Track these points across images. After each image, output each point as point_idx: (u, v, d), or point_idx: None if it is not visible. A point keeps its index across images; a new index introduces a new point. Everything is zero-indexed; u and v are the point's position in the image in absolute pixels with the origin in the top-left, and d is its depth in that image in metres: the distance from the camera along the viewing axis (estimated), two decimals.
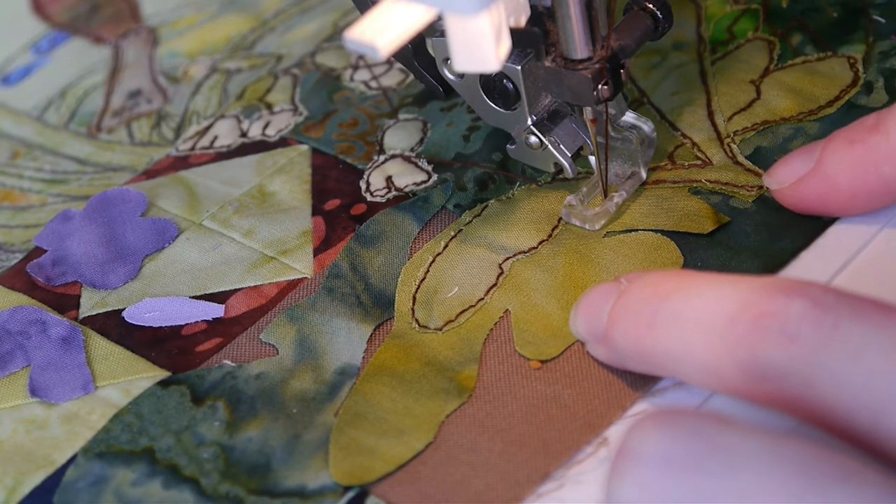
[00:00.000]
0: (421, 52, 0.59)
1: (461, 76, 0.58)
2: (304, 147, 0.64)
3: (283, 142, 0.65)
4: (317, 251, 0.59)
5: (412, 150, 0.62)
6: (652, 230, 0.56)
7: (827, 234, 0.54)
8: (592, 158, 0.57)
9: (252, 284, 0.58)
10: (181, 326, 0.57)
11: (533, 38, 0.53)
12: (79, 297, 0.59)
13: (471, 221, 0.58)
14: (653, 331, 0.47)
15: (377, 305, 0.56)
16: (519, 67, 0.55)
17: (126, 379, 0.55)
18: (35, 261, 0.61)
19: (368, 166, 0.62)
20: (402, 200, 0.60)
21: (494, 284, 0.55)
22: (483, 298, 0.55)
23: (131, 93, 0.71)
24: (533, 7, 0.54)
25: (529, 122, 0.57)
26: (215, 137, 0.66)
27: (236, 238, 0.60)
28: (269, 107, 0.67)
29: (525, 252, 0.56)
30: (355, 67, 0.68)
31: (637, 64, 0.63)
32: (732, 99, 0.60)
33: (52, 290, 0.60)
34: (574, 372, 0.51)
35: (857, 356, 0.42)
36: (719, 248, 0.54)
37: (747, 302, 0.44)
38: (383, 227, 0.59)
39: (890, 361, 0.42)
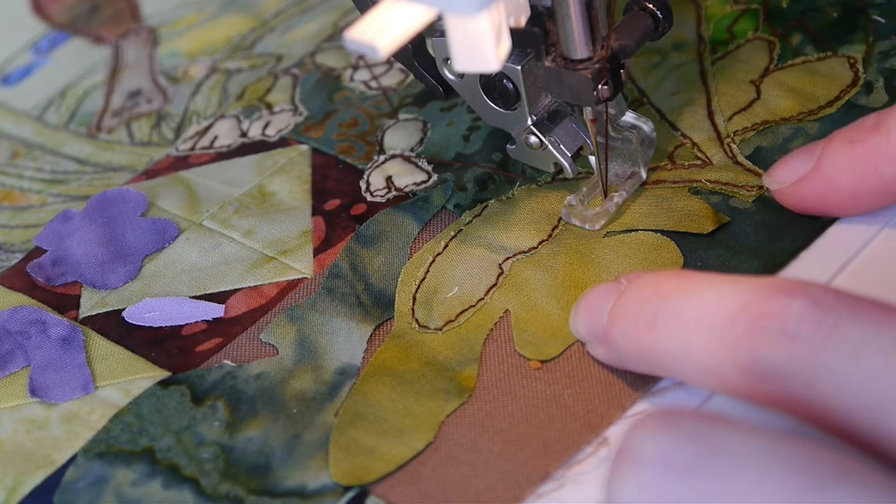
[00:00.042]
0: (421, 52, 0.59)
1: (461, 76, 0.58)
2: (304, 147, 0.64)
3: (283, 142, 0.65)
4: (317, 251, 0.59)
5: (412, 150, 0.62)
6: (652, 230, 0.56)
7: (827, 234, 0.54)
8: (592, 158, 0.57)
9: (252, 284, 0.58)
10: (181, 326, 0.57)
11: (533, 38, 0.53)
12: (79, 297, 0.59)
13: (471, 221, 0.58)
14: (653, 331, 0.47)
15: (377, 305, 0.56)
16: (519, 67, 0.55)
17: (126, 379, 0.55)
18: (35, 261, 0.61)
19: (368, 166, 0.62)
20: (402, 200, 0.60)
21: (494, 284, 0.55)
22: (483, 298, 0.55)
23: (131, 93, 0.71)
24: (533, 7, 0.54)
25: (529, 122, 0.57)
26: (215, 137, 0.66)
27: (236, 238, 0.60)
28: (269, 107, 0.67)
29: (525, 252, 0.56)
30: (355, 67, 0.68)
31: (637, 64, 0.63)
32: (732, 99, 0.60)
33: (52, 290, 0.60)
34: (574, 372, 0.51)
35: (856, 356, 0.42)
36: (719, 248, 0.54)
37: (747, 302, 0.44)
38: (383, 227, 0.59)
39: (890, 361, 0.42)
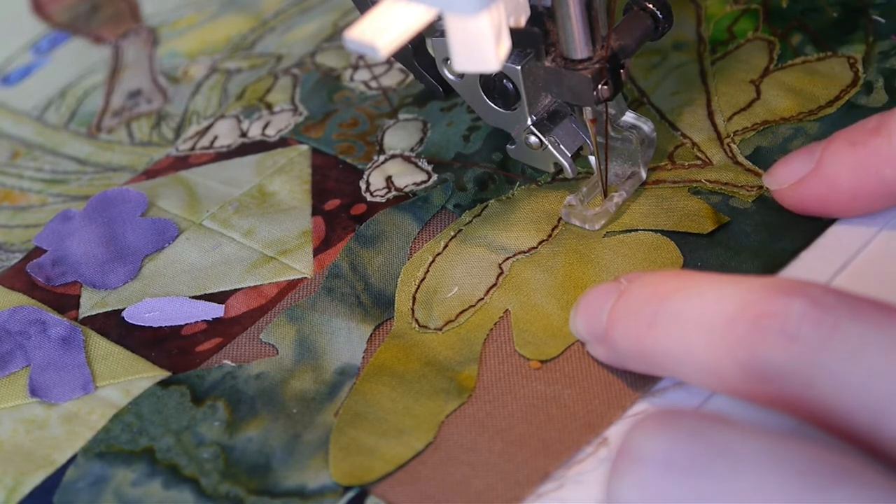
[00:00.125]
0: (421, 52, 0.59)
1: (461, 76, 0.58)
2: (304, 147, 0.64)
3: (283, 142, 0.65)
4: (317, 251, 0.59)
5: (412, 150, 0.62)
6: (652, 230, 0.56)
7: (827, 234, 0.54)
8: (592, 158, 0.57)
9: (252, 284, 0.58)
10: (181, 326, 0.57)
11: (533, 38, 0.53)
12: (79, 297, 0.59)
13: (471, 221, 0.58)
14: (653, 331, 0.47)
15: (377, 305, 0.56)
16: (519, 67, 0.55)
17: (126, 379, 0.55)
18: (35, 261, 0.61)
19: (368, 166, 0.62)
20: (402, 200, 0.60)
21: (494, 284, 0.55)
22: (483, 298, 0.55)
23: (131, 93, 0.71)
24: (533, 7, 0.54)
25: (529, 122, 0.57)
26: (215, 137, 0.66)
27: (236, 238, 0.60)
28: (269, 107, 0.67)
29: (525, 252, 0.56)
30: (355, 67, 0.68)
31: (637, 64, 0.63)
32: (732, 99, 0.60)
33: (52, 290, 0.60)
34: (574, 372, 0.51)
35: (856, 356, 0.42)
36: (719, 248, 0.54)
37: (747, 302, 0.44)
38: (383, 227, 0.59)
39: (890, 361, 0.42)
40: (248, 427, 0.52)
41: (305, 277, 0.58)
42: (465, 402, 0.51)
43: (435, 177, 0.61)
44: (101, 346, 0.56)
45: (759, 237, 0.54)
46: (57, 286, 0.60)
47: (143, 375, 0.55)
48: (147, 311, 0.58)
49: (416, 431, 0.51)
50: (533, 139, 0.57)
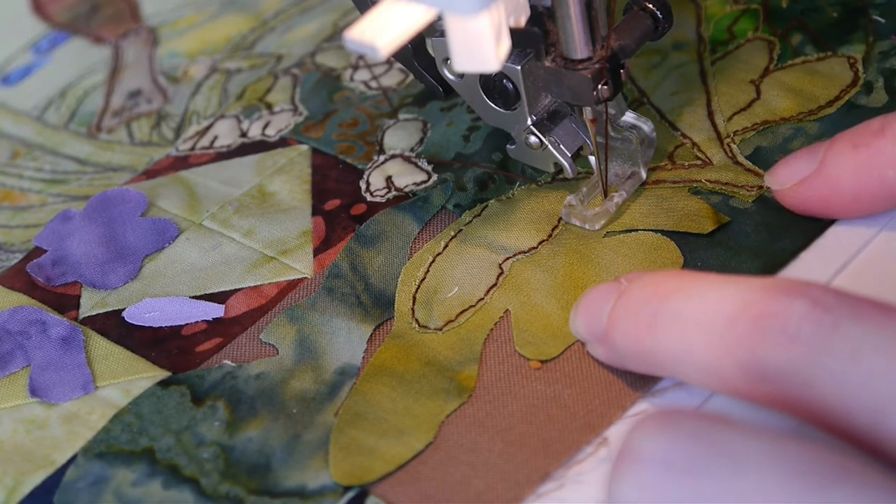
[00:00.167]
0: (421, 52, 0.59)
1: (461, 76, 0.58)
2: (304, 147, 0.64)
3: (283, 142, 0.65)
4: (317, 251, 0.59)
5: (412, 150, 0.62)
6: (652, 230, 0.56)
7: (827, 234, 0.54)
8: (592, 158, 0.57)
9: (252, 284, 0.58)
10: (181, 326, 0.57)
11: (533, 38, 0.53)
12: (79, 297, 0.59)
13: (471, 221, 0.58)
14: (653, 331, 0.47)
15: (377, 305, 0.56)
16: (519, 67, 0.55)
17: (126, 379, 0.55)
18: (35, 261, 0.61)
19: (368, 166, 0.62)
20: (402, 200, 0.60)
21: (494, 284, 0.55)
22: (483, 298, 0.55)
23: (131, 93, 0.71)
24: (533, 7, 0.54)
25: (529, 122, 0.57)
26: (215, 137, 0.66)
27: (236, 238, 0.60)
28: (269, 107, 0.67)
29: (525, 252, 0.56)
30: (355, 67, 0.68)
31: (637, 64, 0.63)
32: (732, 99, 0.60)
33: (52, 290, 0.60)
34: (574, 372, 0.51)
35: (857, 356, 0.42)
36: (719, 248, 0.54)
37: (748, 302, 0.44)
38: (383, 227, 0.59)
39: (890, 361, 0.42)
40: (248, 427, 0.52)
41: (305, 277, 0.58)
42: (465, 402, 0.51)
43: (435, 177, 0.61)
44: (102, 346, 0.56)
45: (759, 237, 0.54)
46: (57, 286, 0.60)
47: (143, 375, 0.55)
48: (147, 311, 0.58)
49: (416, 431, 0.51)
50: (533, 139, 0.57)
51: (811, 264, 0.53)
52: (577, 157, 0.58)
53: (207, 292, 0.58)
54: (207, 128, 0.67)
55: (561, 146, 0.57)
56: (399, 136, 0.63)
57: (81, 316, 0.58)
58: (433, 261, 0.57)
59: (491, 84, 0.57)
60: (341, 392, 0.53)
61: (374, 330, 0.55)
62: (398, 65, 0.67)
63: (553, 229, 0.57)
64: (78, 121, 0.70)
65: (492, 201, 0.59)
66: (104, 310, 0.58)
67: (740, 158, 0.58)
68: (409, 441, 0.50)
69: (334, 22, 0.71)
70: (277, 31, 0.72)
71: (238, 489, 0.50)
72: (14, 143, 0.69)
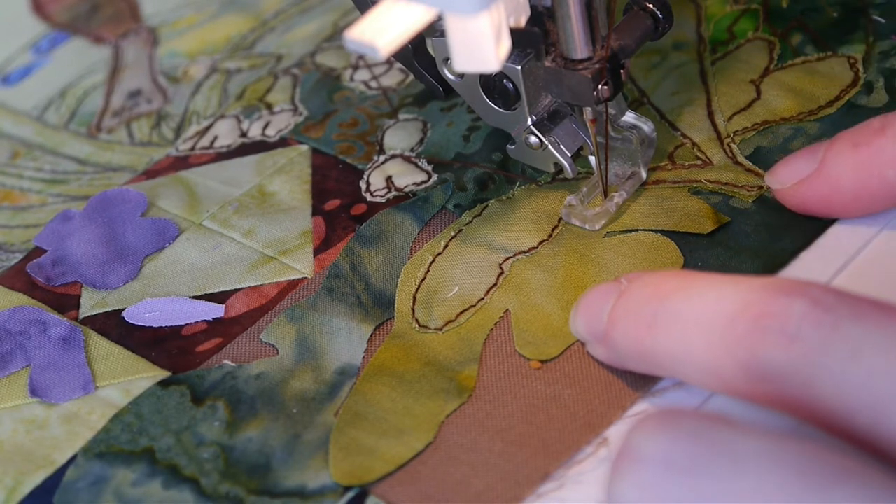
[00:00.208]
0: (421, 52, 0.59)
1: (461, 76, 0.58)
2: (304, 147, 0.64)
3: (283, 142, 0.65)
4: (317, 251, 0.59)
5: (412, 150, 0.62)
6: (652, 230, 0.56)
7: (827, 234, 0.54)
8: (592, 158, 0.57)
9: (252, 284, 0.58)
10: (181, 326, 0.57)
11: (533, 38, 0.53)
12: (79, 297, 0.59)
13: (471, 221, 0.58)
14: (653, 331, 0.47)
15: (377, 305, 0.56)
16: (519, 67, 0.55)
17: (126, 379, 0.55)
18: (35, 261, 0.61)
19: (368, 166, 0.62)
20: (402, 200, 0.60)
21: (494, 284, 0.55)
22: (483, 298, 0.55)
23: (131, 93, 0.71)
24: (533, 7, 0.54)
25: (529, 122, 0.57)
26: (215, 137, 0.66)
27: (236, 238, 0.60)
28: (269, 107, 0.67)
29: (525, 252, 0.56)
30: (355, 67, 0.68)
31: (637, 64, 0.63)
32: (732, 99, 0.60)
33: (52, 290, 0.60)
34: (574, 372, 0.51)
35: (857, 356, 0.42)
36: (719, 248, 0.54)
37: (747, 302, 0.44)
38: (383, 227, 0.59)
39: (890, 361, 0.42)
40: (248, 427, 0.52)
41: (305, 277, 0.58)
42: (465, 402, 0.51)
43: (435, 177, 0.61)
44: (102, 346, 0.56)
45: (759, 237, 0.54)
46: (57, 286, 0.60)
47: (143, 375, 0.55)
48: (147, 311, 0.58)
49: (416, 431, 0.51)
50: (533, 139, 0.57)
51: (811, 264, 0.53)
52: (577, 157, 0.58)
53: (207, 292, 0.58)
54: (207, 128, 0.67)
55: (561, 146, 0.57)
56: (399, 136, 0.63)
57: (81, 316, 0.58)
58: (433, 261, 0.57)
59: (491, 84, 0.57)
60: (341, 392, 0.53)
61: (374, 330, 0.55)
62: (398, 65, 0.67)
63: (553, 229, 0.57)
64: (78, 121, 0.70)
65: (492, 201, 0.59)
66: (104, 310, 0.58)
67: (740, 158, 0.58)
68: (409, 441, 0.50)
69: (334, 22, 0.71)
70: (277, 31, 0.72)
71: (238, 489, 0.50)
72: (14, 143, 0.69)
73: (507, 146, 0.59)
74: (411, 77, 0.66)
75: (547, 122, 0.57)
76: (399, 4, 0.49)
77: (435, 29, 0.57)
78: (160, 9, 0.76)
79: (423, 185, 0.60)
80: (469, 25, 0.49)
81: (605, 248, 0.56)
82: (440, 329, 0.54)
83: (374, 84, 0.66)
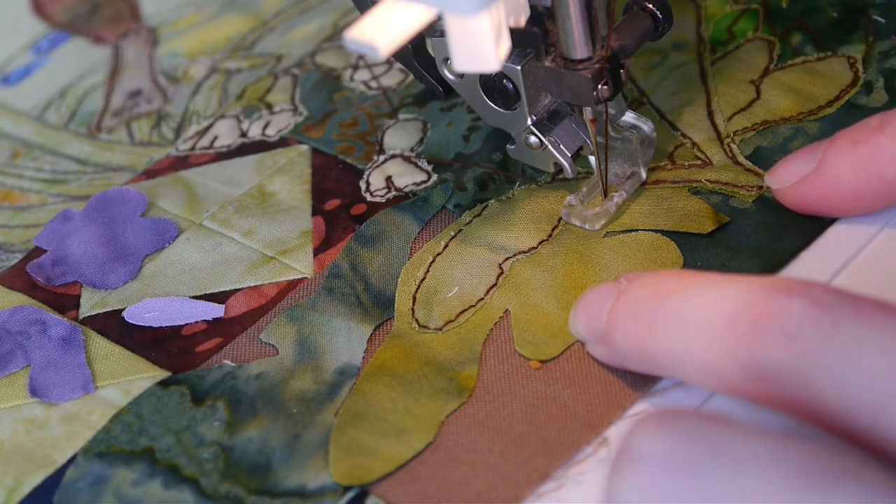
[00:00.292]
0: (421, 52, 0.59)
1: (461, 76, 0.58)
2: (304, 147, 0.64)
3: (283, 142, 0.65)
4: (317, 251, 0.59)
5: (412, 150, 0.62)
6: (652, 230, 0.56)
7: (827, 234, 0.54)
8: (592, 158, 0.57)
9: (252, 284, 0.58)
10: (181, 326, 0.57)
11: (533, 38, 0.53)
12: (79, 297, 0.59)
13: (471, 221, 0.58)
14: (652, 331, 0.47)
15: (377, 305, 0.56)
16: (519, 67, 0.55)
17: (126, 379, 0.55)
18: (35, 261, 0.61)
19: (368, 166, 0.62)
20: (402, 200, 0.60)
21: (494, 284, 0.55)
22: (483, 298, 0.55)
23: (131, 93, 0.71)
24: (533, 7, 0.54)
25: (529, 122, 0.57)
26: (215, 137, 0.66)
27: (236, 238, 0.60)
28: (269, 107, 0.67)
29: (525, 252, 0.56)
30: (355, 67, 0.68)
31: (637, 64, 0.63)
32: (732, 99, 0.60)
33: (52, 290, 0.60)
34: (574, 372, 0.51)
35: (857, 356, 0.42)
36: (719, 248, 0.54)
37: (747, 302, 0.44)
38: (383, 227, 0.59)
39: (890, 361, 0.42)
40: (248, 427, 0.52)
41: (305, 277, 0.58)
42: (465, 402, 0.51)
43: (435, 177, 0.61)
44: (102, 346, 0.56)
45: (759, 237, 0.54)
46: (57, 286, 0.60)
47: (143, 375, 0.55)
48: (147, 311, 0.58)
49: (416, 431, 0.51)
50: (533, 139, 0.57)
51: (811, 264, 0.53)
52: (577, 157, 0.58)
53: (207, 292, 0.58)
54: (207, 128, 0.67)
55: (561, 146, 0.57)
56: (399, 136, 0.63)
57: (81, 316, 0.58)
58: (433, 261, 0.57)
59: (491, 84, 0.57)
60: (341, 392, 0.53)
61: (374, 330, 0.55)
62: (398, 65, 0.67)
63: (553, 229, 0.57)
64: (78, 121, 0.70)
65: (492, 201, 0.59)
66: (104, 310, 0.58)
67: (740, 158, 0.58)
68: (409, 441, 0.50)
69: (334, 22, 0.71)
70: (277, 31, 0.72)
71: (238, 489, 0.50)
72: (14, 143, 0.69)
73: (507, 146, 0.59)
74: (411, 77, 0.66)
75: (547, 122, 0.57)
76: (399, 4, 0.49)
77: (435, 29, 0.57)
78: (160, 9, 0.76)
79: (423, 185, 0.60)
80: (469, 25, 0.49)
81: (604, 248, 0.56)
82: (440, 329, 0.54)
83: (374, 84, 0.66)
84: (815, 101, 0.59)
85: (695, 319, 0.46)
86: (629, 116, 0.57)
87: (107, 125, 0.69)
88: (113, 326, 0.57)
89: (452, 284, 0.56)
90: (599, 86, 0.54)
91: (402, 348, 0.54)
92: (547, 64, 0.55)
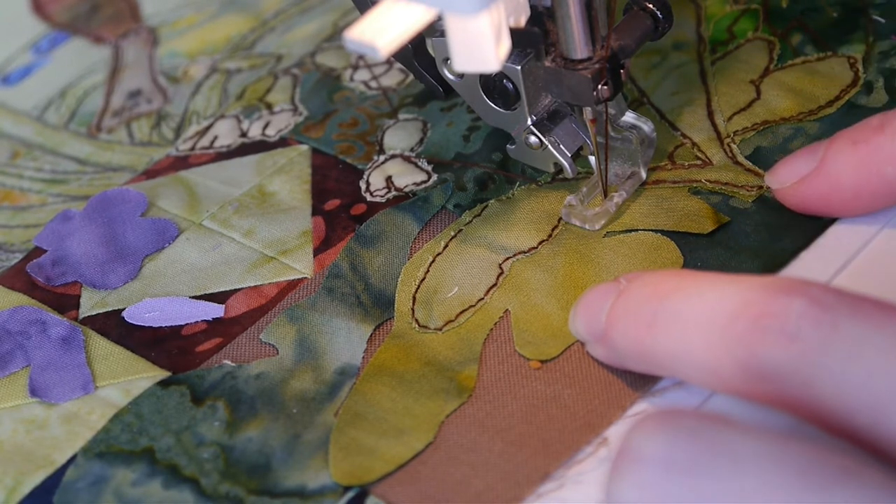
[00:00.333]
0: (421, 52, 0.59)
1: (461, 76, 0.58)
2: (304, 147, 0.64)
3: (283, 142, 0.65)
4: (317, 251, 0.59)
5: (412, 150, 0.62)
6: (652, 230, 0.56)
7: (827, 234, 0.54)
8: (592, 158, 0.57)
9: (252, 284, 0.58)
10: (181, 326, 0.57)
11: (533, 38, 0.53)
12: (79, 297, 0.59)
13: (471, 221, 0.58)
14: (652, 330, 0.47)
15: (377, 305, 0.56)
16: (519, 67, 0.55)
17: (126, 379, 0.55)
18: (35, 261, 0.61)
19: (368, 166, 0.62)
20: (402, 200, 0.60)
21: (494, 284, 0.55)
22: (483, 298, 0.55)
23: (131, 93, 0.71)
24: (533, 7, 0.54)
25: (529, 122, 0.57)
26: (215, 137, 0.66)
27: (236, 238, 0.60)
28: (269, 107, 0.67)
29: (525, 252, 0.56)
30: (355, 67, 0.68)
31: (637, 64, 0.63)
32: (732, 99, 0.60)
33: (52, 290, 0.60)
34: (574, 372, 0.51)
35: (856, 356, 0.42)
36: (719, 248, 0.54)
37: (747, 301, 0.44)
38: (383, 227, 0.59)
39: (890, 361, 0.42)
40: (248, 427, 0.52)
41: (305, 277, 0.58)
42: (465, 402, 0.51)
43: (435, 177, 0.61)
44: (101, 346, 0.56)
45: (759, 237, 0.54)
46: (57, 286, 0.60)
47: (143, 375, 0.55)
48: (147, 311, 0.58)
49: (416, 431, 0.51)
50: (533, 139, 0.57)
51: (811, 264, 0.53)
52: (577, 157, 0.58)
53: (207, 292, 0.58)
54: (207, 128, 0.67)
55: (561, 146, 0.57)
56: (399, 136, 0.63)
57: (81, 316, 0.58)
58: (433, 261, 0.57)
59: (491, 84, 0.57)
60: (341, 392, 0.53)
61: (374, 330, 0.55)
62: (398, 65, 0.67)
63: (553, 229, 0.57)
64: (78, 121, 0.70)
65: (492, 201, 0.59)
66: (104, 310, 0.58)
67: (740, 158, 0.58)
68: (409, 441, 0.50)
69: (334, 22, 0.71)
70: (277, 31, 0.72)
71: (238, 489, 0.50)
72: (14, 143, 0.69)
73: (507, 146, 0.59)
74: (411, 77, 0.66)
75: (547, 122, 0.57)
76: (399, 4, 0.49)
77: (435, 29, 0.57)
78: (160, 9, 0.76)
79: (423, 185, 0.60)
80: (469, 25, 0.49)
81: (604, 248, 0.56)
82: (440, 329, 0.54)
83: (374, 84, 0.66)
84: (815, 101, 0.59)
85: (695, 319, 0.46)
86: (629, 116, 0.57)
87: (107, 125, 0.69)
88: (113, 326, 0.57)
89: (452, 284, 0.56)
90: (599, 86, 0.54)
91: (402, 348, 0.54)
92: (547, 64, 0.55)
